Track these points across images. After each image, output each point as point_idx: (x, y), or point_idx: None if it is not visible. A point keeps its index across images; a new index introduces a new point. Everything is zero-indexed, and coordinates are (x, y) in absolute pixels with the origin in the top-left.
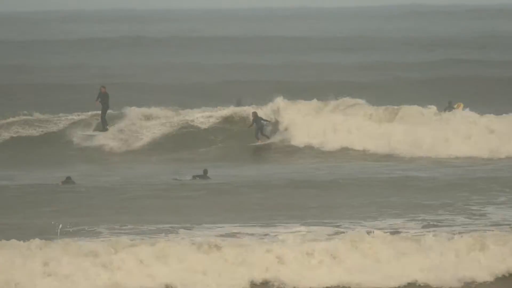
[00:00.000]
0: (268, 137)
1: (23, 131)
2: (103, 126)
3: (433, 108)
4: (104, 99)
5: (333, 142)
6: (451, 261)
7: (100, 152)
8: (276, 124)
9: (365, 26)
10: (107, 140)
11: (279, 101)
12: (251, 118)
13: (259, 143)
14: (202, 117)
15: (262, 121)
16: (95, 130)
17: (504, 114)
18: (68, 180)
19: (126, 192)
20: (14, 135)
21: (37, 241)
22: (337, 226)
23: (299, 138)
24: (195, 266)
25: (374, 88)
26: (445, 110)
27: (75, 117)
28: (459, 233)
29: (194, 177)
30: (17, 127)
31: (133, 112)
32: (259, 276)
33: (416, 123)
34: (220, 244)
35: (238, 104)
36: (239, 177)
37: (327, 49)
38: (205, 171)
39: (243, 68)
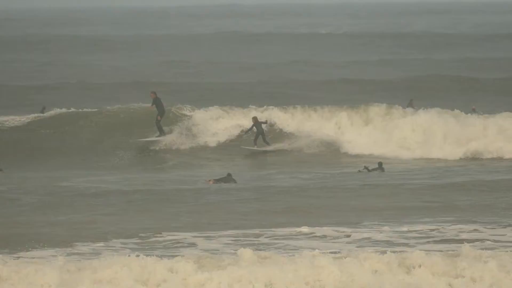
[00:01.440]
0: (268, 144)
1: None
2: (159, 132)
3: None
4: (157, 105)
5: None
6: None
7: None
8: None
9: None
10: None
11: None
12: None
13: (255, 148)
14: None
15: (262, 126)
16: (157, 135)
17: None
18: (228, 177)
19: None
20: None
21: None
22: None
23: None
24: None
25: None
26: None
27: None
28: None
29: (367, 168)
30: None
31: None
32: None
33: None
34: None
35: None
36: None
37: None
38: (380, 164)
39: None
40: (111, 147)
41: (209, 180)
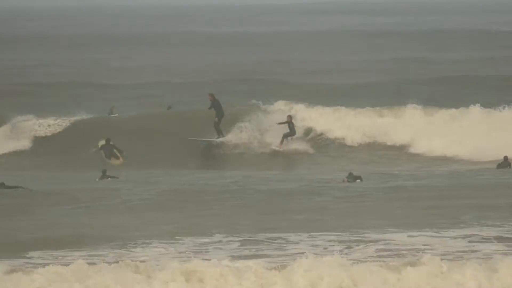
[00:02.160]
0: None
1: None
2: (217, 134)
3: None
4: (215, 107)
5: None
6: None
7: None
8: None
9: None
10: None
11: None
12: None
13: (279, 148)
14: None
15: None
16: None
17: None
18: (350, 176)
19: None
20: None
21: None
22: None
23: None
24: None
25: None
26: None
27: None
28: None
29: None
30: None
31: None
32: None
33: None
34: None
35: None
36: None
37: None
38: (505, 158)
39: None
40: (226, 145)
41: (331, 179)
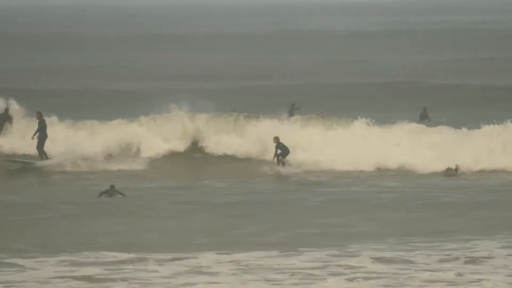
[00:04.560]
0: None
1: None
2: (40, 157)
3: None
4: (39, 127)
5: None
6: None
7: None
8: None
9: None
10: None
11: None
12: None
13: (281, 169)
14: None
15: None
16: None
17: None
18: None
19: None
20: None
21: None
22: None
23: None
24: None
25: None
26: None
27: None
28: None
29: None
30: None
31: None
32: None
33: None
34: None
35: None
36: None
37: None
38: None
39: None
40: None
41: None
